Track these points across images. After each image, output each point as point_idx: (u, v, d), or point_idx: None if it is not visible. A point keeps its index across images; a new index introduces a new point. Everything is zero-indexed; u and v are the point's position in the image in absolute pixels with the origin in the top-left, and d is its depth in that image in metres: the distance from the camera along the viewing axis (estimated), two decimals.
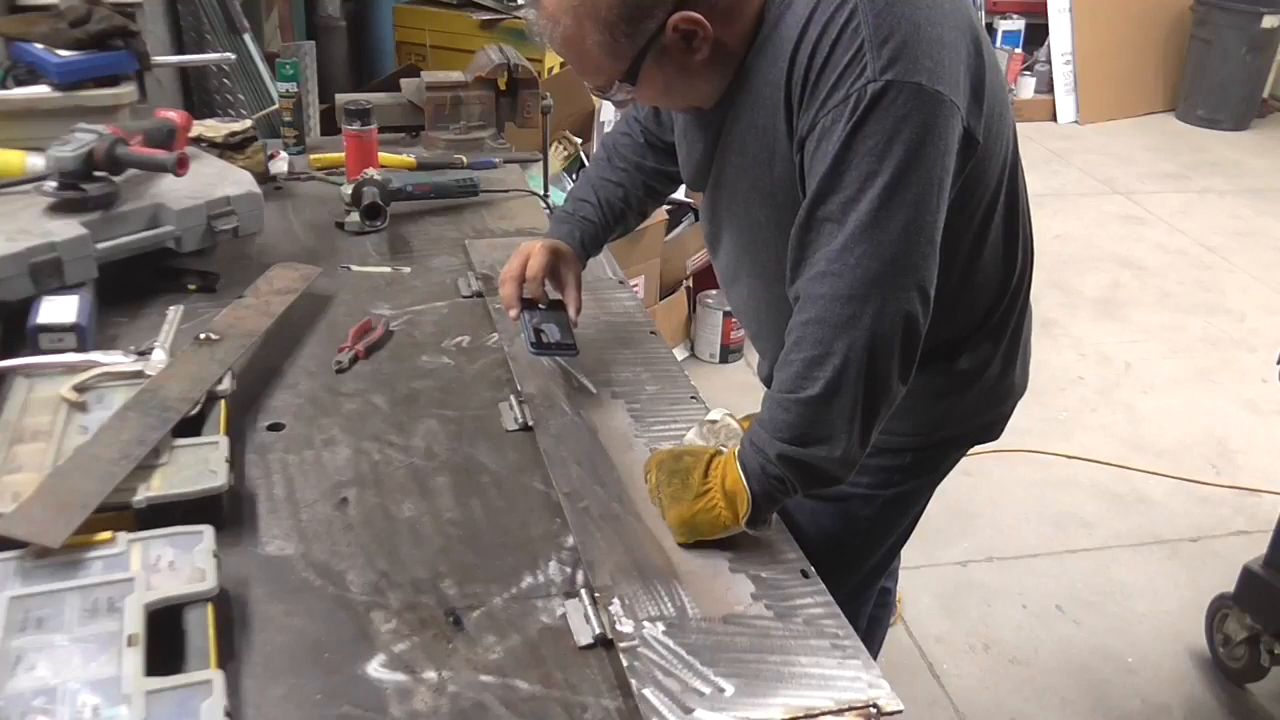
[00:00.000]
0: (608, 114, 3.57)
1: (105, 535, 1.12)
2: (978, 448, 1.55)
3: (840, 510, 1.50)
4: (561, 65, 3.51)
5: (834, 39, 1.12)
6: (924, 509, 1.59)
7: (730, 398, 1.46)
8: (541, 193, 2.34)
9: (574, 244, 1.55)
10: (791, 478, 1.18)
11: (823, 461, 1.17)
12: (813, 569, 1.21)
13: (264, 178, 2.09)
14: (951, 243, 1.20)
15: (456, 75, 2.43)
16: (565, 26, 1.17)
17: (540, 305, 1.52)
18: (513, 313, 1.50)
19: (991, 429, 1.54)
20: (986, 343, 1.42)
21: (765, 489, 1.19)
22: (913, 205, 1.11)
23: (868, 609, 1.74)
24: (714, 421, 1.34)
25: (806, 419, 1.16)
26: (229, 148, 2.05)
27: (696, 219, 3.35)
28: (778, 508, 1.23)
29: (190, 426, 1.33)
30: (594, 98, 3.50)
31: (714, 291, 3.62)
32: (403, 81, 2.54)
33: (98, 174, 1.65)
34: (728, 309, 3.56)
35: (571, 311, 1.52)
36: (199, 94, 2.91)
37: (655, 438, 1.42)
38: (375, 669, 1.06)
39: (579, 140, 3.46)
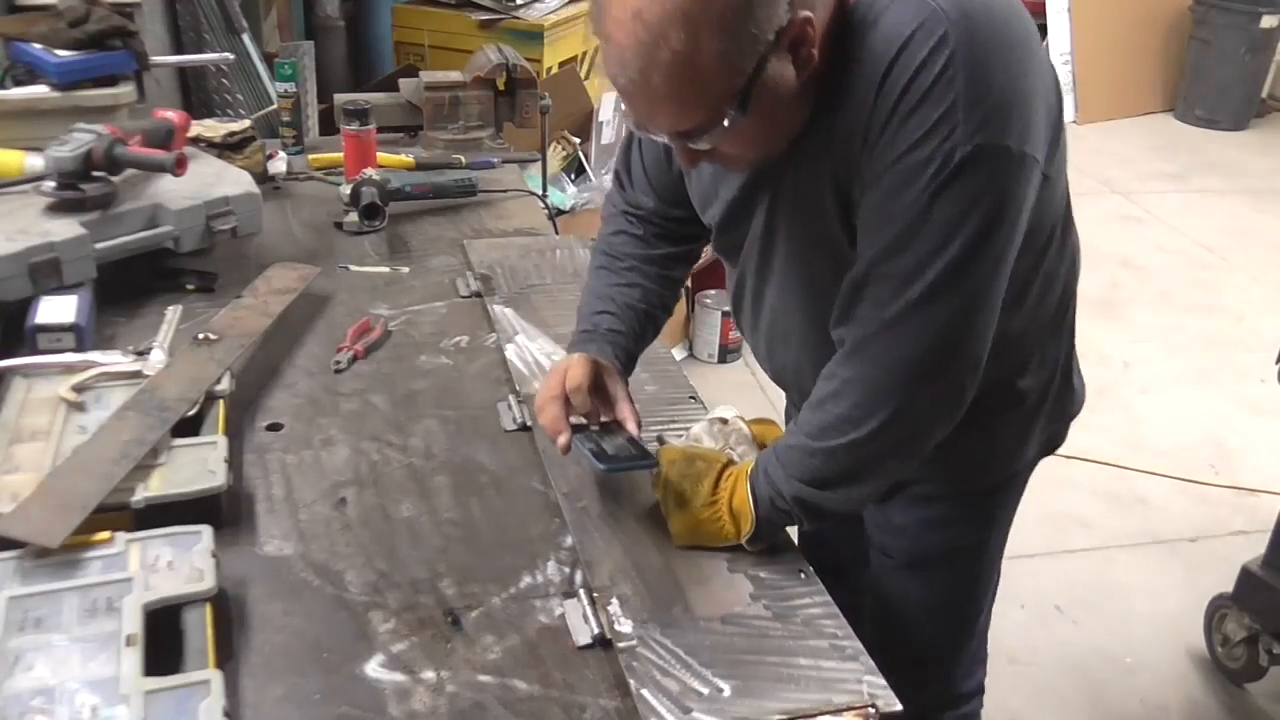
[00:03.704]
0: (606, 114, 3.56)
1: (104, 535, 1.12)
2: None
3: (951, 567, 1.46)
4: (561, 65, 3.51)
5: (925, 89, 1.00)
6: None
7: (729, 398, 1.45)
8: (540, 193, 2.34)
9: (608, 359, 1.33)
10: (800, 513, 1.19)
11: (835, 504, 1.18)
12: (810, 569, 1.22)
13: (262, 178, 2.09)
14: (1018, 287, 1.15)
15: (455, 75, 2.42)
16: (673, 44, 0.96)
17: (592, 426, 1.29)
18: (562, 440, 1.25)
19: (1055, 439, 1.45)
20: (1040, 372, 1.34)
21: (770, 517, 1.20)
22: (978, 278, 1.07)
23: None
24: (724, 421, 1.33)
25: (830, 468, 1.15)
26: (227, 148, 2.05)
27: None
28: (779, 531, 1.24)
29: (189, 426, 1.33)
30: (593, 102, 3.49)
31: (713, 291, 3.61)
32: (401, 81, 2.54)
33: (96, 174, 1.65)
34: (726, 309, 3.55)
35: (631, 427, 1.28)
36: (197, 94, 2.90)
37: (654, 438, 1.42)
38: (374, 669, 1.06)
39: (578, 140, 3.45)
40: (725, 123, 1.03)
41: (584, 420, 1.29)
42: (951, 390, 1.12)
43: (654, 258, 1.42)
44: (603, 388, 1.30)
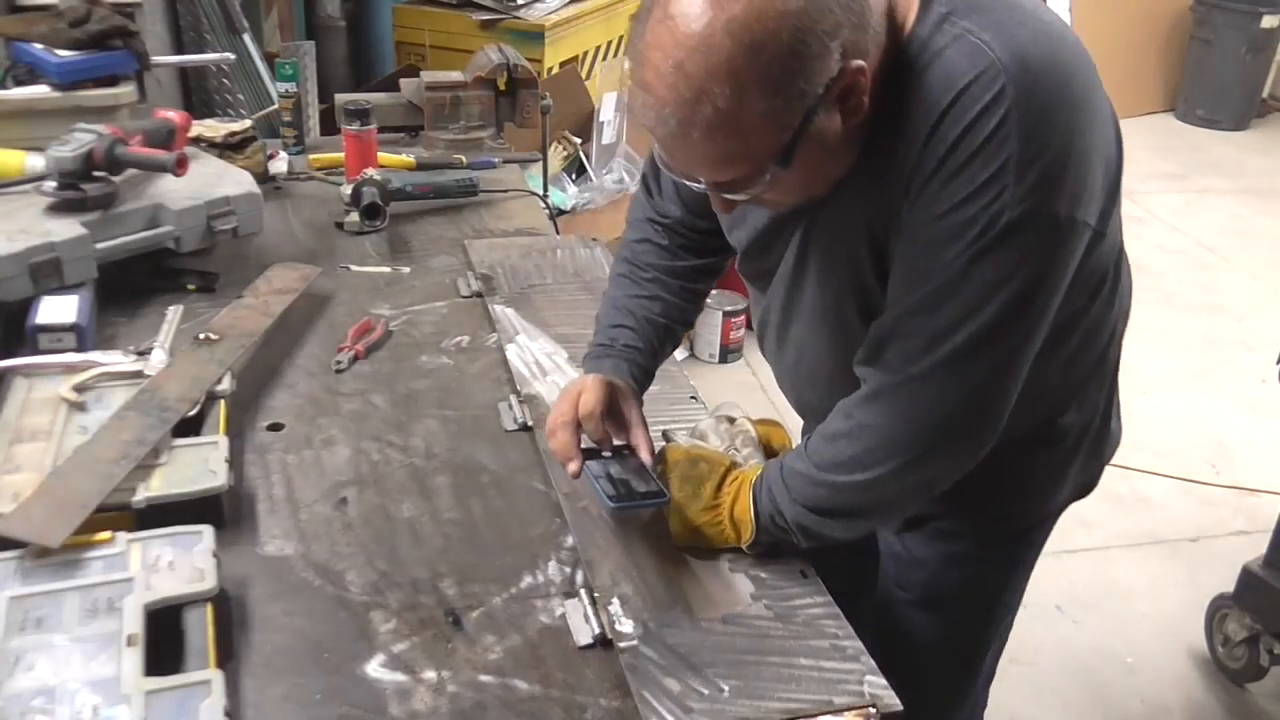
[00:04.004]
0: (607, 114, 3.56)
1: (105, 535, 1.12)
2: None
3: (968, 608, 1.44)
4: (562, 65, 3.51)
5: (976, 147, 0.96)
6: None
7: (730, 398, 1.45)
8: (541, 193, 2.34)
9: (624, 378, 1.30)
10: (799, 536, 1.18)
11: (835, 532, 1.17)
12: (811, 569, 1.22)
13: (263, 178, 2.09)
14: (1059, 335, 1.13)
15: (456, 75, 2.42)
16: (717, 101, 0.92)
17: (605, 452, 1.26)
18: (573, 467, 1.22)
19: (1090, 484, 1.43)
20: (1082, 411, 1.32)
21: (769, 531, 1.19)
22: (1010, 344, 1.04)
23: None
24: (731, 420, 1.33)
25: (835, 500, 1.15)
26: (228, 148, 2.05)
27: None
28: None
29: (190, 426, 1.33)
30: (593, 102, 3.49)
31: (714, 291, 3.61)
32: (402, 81, 2.54)
33: (97, 174, 1.65)
34: (728, 308, 3.55)
35: (644, 455, 1.25)
36: (198, 94, 2.91)
37: (654, 438, 1.42)
38: (375, 669, 1.06)
39: (578, 140, 3.45)
40: (767, 177, 1.00)
41: (595, 445, 1.26)
42: (968, 447, 1.11)
43: (678, 270, 1.38)
44: (617, 411, 1.27)
